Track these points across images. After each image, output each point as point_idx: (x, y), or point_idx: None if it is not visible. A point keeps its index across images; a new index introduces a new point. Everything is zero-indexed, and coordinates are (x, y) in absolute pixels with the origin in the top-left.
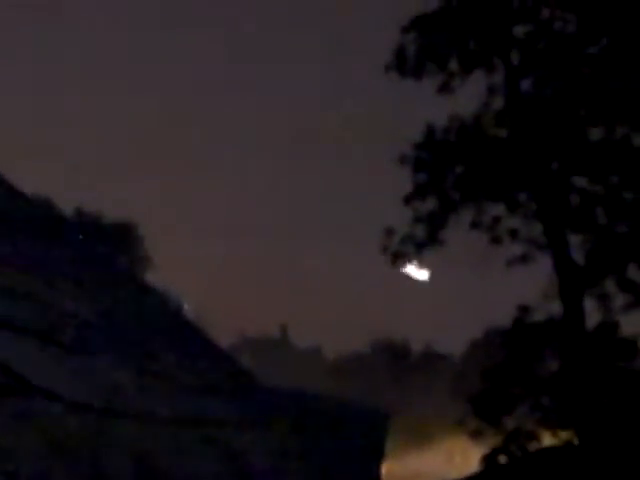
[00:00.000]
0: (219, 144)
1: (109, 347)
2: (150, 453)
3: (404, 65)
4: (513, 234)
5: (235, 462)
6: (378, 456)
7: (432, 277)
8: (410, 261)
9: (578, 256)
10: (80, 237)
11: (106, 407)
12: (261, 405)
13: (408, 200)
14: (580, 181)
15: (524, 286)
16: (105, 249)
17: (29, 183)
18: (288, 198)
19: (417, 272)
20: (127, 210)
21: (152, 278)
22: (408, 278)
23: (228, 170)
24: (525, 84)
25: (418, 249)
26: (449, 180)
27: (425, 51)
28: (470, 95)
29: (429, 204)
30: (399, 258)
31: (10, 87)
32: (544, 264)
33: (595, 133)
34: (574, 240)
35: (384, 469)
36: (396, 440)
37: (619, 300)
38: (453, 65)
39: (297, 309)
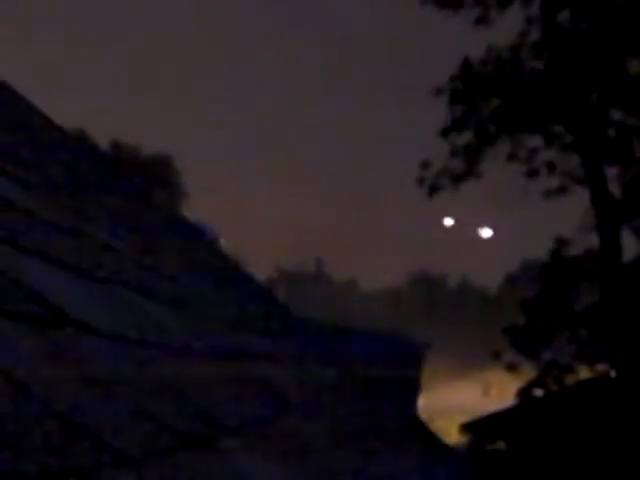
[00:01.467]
0: (258, 79)
1: (145, 280)
2: (187, 388)
3: None
4: (550, 167)
5: (272, 396)
6: (414, 390)
7: (468, 212)
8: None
9: (615, 189)
10: (117, 169)
11: (143, 341)
12: (297, 339)
13: (445, 133)
14: (617, 114)
15: (561, 220)
16: (141, 181)
17: (65, 117)
18: (318, 132)
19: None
20: (164, 144)
21: (189, 211)
22: (445, 212)
23: (265, 106)
24: (562, 16)
25: (455, 182)
26: (486, 112)
27: None
28: (507, 27)
29: (465, 137)
30: (435, 191)
31: (44, 21)
32: (581, 197)
33: (633, 66)
34: (611, 173)
35: (420, 403)
36: (431, 374)
37: None
38: None
39: (333, 243)
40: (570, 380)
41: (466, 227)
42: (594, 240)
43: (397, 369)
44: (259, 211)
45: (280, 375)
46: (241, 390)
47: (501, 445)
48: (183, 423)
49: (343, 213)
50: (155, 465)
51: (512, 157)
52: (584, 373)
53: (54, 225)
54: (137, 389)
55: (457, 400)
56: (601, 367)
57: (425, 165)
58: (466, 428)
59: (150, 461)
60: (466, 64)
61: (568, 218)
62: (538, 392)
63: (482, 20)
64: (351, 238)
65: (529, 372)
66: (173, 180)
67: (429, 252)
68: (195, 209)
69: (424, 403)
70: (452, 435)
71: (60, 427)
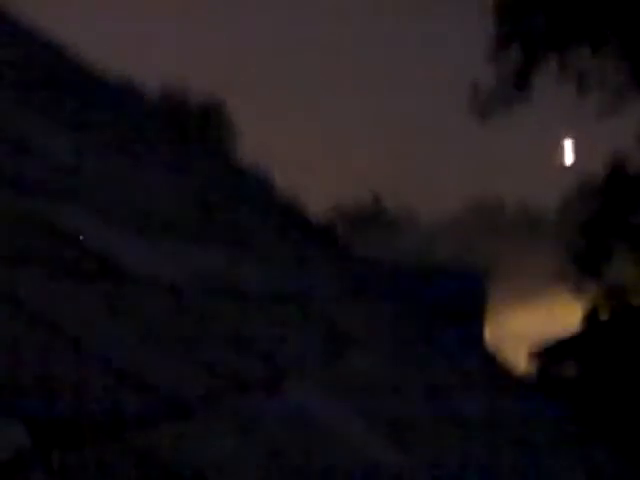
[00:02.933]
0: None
1: (201, 228)
2: (247, 332)
3: None
4: (602, 82)
5: (335, 335)
6: (480, 317)
7: (520, 133)
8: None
9: None
10: (167, 116)
11: (201, 289)
12: (357, 276)
13: (492, 54)
14: None
15: (617, 136)
16: (193, 127)
17: (112, 63)
18: (359, 55)
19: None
20: (213, 84)
21: (242, 153)
22: (498, 137)
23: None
24: None
25: (506, 104)
26: (533, 29)
27: None
28: None
29: (514, 57)
30: (487, 116)
31: None
32: (637, 111)
33: None
34: None
35: (486, 331)
36: (495, 301)
37: None
38: None
39: (390, 176)
40: (635, 301)
41: (519, 152)
42: None
43: (461, 297)
44: (314, 150)
45: (342, 314)
46: (303, 331)
47: (571, 371)
48: (244, 368)
49: (397, 146)
50: (216, 412)
51: (561, 76)
52: None
53: (101, 175)
54: (194, 336)
55: (523, 328)
56: None
57: (475, 88)
58: (534, 356)
59: (211, 409)
60: None
61: (624, 134)
62: (604, 315)
63: None
64: (407, 170)
65: (594, 294)
66: (225, 122)
67: (487, 179)
68: (249, 150)
69: (489, 333)
70: (520, 364)
71: (117, 381)
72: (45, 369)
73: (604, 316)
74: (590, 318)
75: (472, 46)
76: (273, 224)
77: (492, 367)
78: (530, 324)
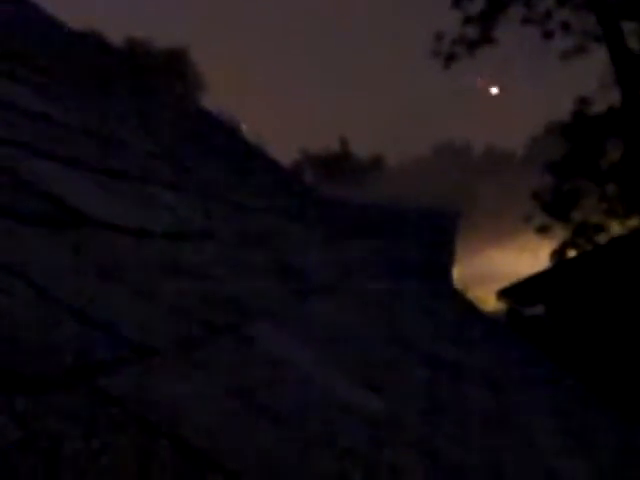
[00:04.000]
0: None
1: (164, 174)
2: (213, 276)
3: None
4: (565, 27)
5: (303, 279)
6: (449, 257)
7: (488, 79)
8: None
9: (633, 44)
10: (131, 67)
11: (166, 232)
12: (327, 219)
13: (457, 2)
14: None
15: (581, 80)
16: (158, 77)
17: (78, 19)
18: (320, 12)
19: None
20: (177, 36)
21: (207, 102)
22: (462, 82)
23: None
24: None
25: (470, 49)
26: None
27: None
28: None
29: (478, 3)
30: (451, 60)
31: None
32: (599, 55)
33: None
34: (628, 28)
35: (455, 273)
36: (464, 241)
37: None
38: None
39: (356, 120)
40: (602, 239)
41: (483, 92)
42: (616, 97)
43: (432, 236)
44: (280, 99)
45: (309, 257)
46: (270, 274)
47: (539, 309)
48: (210, 312)
49: (362, 91)
50: (183, 357)
51: (526, 20)
52: (616, 230)
53: (68, 126)
54: (161, 282)
55: (492, 267)
56: (632, 222)
57: (439, 36)
58: (502, 294)
59: (177, 353)
60: None
61: (588, 78)
62: (571, 253)
63: None
64: (373, 114)
65: (561, 234)
66: (190, 73)
67: (451, 122)
68: (214, 98)
69: (459, 273)
70: (489, 303)
71: (79, 324)
72: (10, 316)
73: (571, 254)
74: (558, 257)
75: None
76: (240, 169)
77: (461, 311)
78: (499, 264)
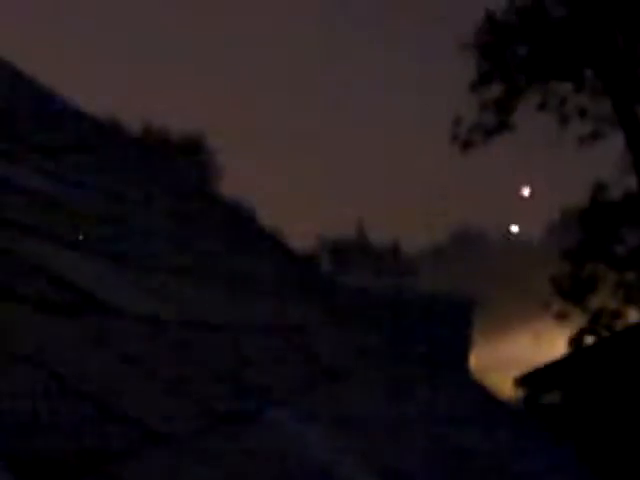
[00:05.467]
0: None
1: (181, 261)
2: (233, 364)
3: None
4: (582, 113)
5: (317, 364)
6: (466, 345)
7: (503, 163)
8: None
9: None
10: (148, 154)
11: (181, 320)
12: (342, 306)
13: (474, 87)
14: None
15: (598, 165)
16: (175, 163)
17: (95, 104)
18: (336, 96)
19: None
20: (196, 123)
21: (224, 189)
22: (480, 167)
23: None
24: None
25: (487, 136)
26: (513, 63)
27: None
28: None
29: (495, 90)
30: (468, 146)
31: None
32: (616, 141)
33: None
34: None
35: (472, 359)
36: (481, 329)
37: None
38: None
39: (373, 207)
40: (620, 325)
41: (503, 181)
42: (632, 182)
43: (448, 326)
44: (295, 183)
45: (325, 343)
46: (285, 360)
47: (556, 396)
48: (225, 398)
49: (379, 178)
50: (195, 443)
51: (543, 106)
52: (634, 317)
53: (84, 213)
54: (175, 369)
55: (509, 353)
56: None
57: (457, 121)
58: (520, 382)
59: (190, 439)
60: (489, 16)
61: (605, 164)
62: (589, 340)
63: None
64: (390, 201)
65: (579, 321)
66: (207, 158)
67: (468, 209)
68: (231, 186)
69: (476, 358)
70: (506, 389)
71: (95, 411)
72: (27, 404)
73: (589, 341)
74: (576, 344)
75: (454, 79)
76: (255, 256)
77: (481, 399)
78: (517, 350)
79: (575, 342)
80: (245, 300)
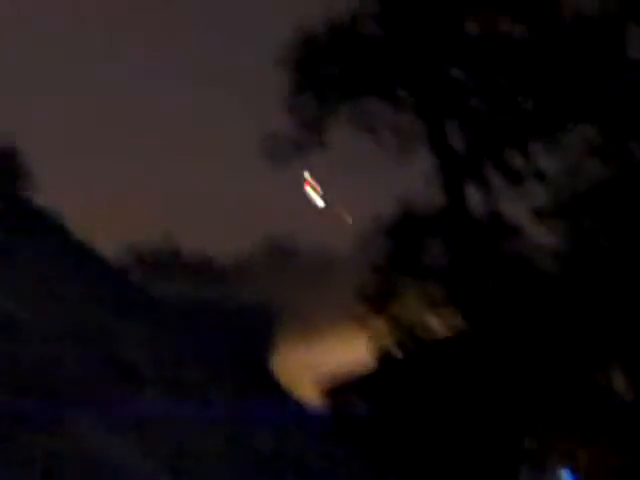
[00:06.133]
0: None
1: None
2: (40, 373)
3: None
4: (394, 130)
5: (127, 373)
6: (269, 351)
7: (316, 178)
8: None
9: (458, 144)
10: None
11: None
12: (150, 317)
13: (287, 103)
14: (457, 73)
15: (407, 180)
16: None
17: None
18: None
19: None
20: (8, 135)
21: (40, 201)
22: (293, 181)
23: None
24: None
25: (299, 151)
26: (326, 80)
27: None
28: None
29: (309, 106)
30: (282, 162)
31: None
32: (427, 157)
33: (470, 26)
34: (452, 129)
35: (275, 362)
36: (288, 335)
37: (502, 190)
38: None
39: (184, 218)
40: (423, 335)
41: (314, 195)
42: (440, 197)
43: (252, 332)
44: (106, 188)
45: (134, 352)
46: (96, 367)
47: (362, 408)
48: (31, 407)
49: (188, 184)
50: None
51: (354, 123)
52: (435, 325)
53: None
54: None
55: (312, 359)
56: (457, 323)
57: (270, 137)
58: (327, 393)
59: None
60: (302, 32)
61: (414, 179)
62: (398, 353)
63: None
64: (200, 209)
65: (382, 329)
66: (21, 172)
67: (281, 221)
68: (46, 196)
69: (279, 362)
70: (311, 393)
71: None
72: None
73: (398, 355)
74: (380, 353)
75: (266, 94)
76: (68, 266)
77: (282, 402)
78: (320, 357)
79: (376, 347)
80: (59, 308)
